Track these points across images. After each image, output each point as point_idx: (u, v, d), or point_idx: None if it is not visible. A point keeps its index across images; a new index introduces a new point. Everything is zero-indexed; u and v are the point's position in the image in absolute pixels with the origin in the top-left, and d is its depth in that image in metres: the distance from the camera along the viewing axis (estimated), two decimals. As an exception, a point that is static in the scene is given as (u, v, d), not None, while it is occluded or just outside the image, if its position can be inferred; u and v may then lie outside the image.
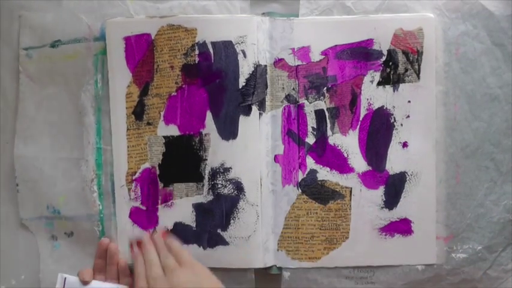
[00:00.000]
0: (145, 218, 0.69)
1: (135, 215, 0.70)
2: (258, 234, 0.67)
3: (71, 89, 0.70)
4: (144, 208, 0.69)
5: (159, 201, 0.69)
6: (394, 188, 0.67)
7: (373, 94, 0.67)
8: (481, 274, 0.67)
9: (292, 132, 0.68)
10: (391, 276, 0.68)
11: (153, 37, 0.67)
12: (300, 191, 0.68)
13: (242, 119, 0.67)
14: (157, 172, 0.69)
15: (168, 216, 0.69)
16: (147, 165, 0.69)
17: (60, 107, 0.70)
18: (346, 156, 0.68)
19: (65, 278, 0.65)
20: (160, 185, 0.69)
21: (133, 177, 0.69)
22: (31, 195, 0.71)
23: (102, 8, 0.69)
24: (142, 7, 0.68)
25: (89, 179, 0.70)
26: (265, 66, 0.67)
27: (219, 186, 0.68)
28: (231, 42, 0.66)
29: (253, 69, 0.67)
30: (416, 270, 0.68)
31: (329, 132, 0.68)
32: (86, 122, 0.70)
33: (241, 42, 0.66)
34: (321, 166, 0.68)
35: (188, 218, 0.69)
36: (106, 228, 0.70)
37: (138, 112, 0.69)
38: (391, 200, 0.68)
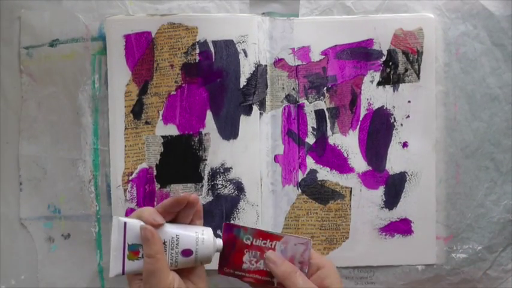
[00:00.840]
0: (140, 219, 0.69)
1: (130, 217, 0.69)
2: (258, 234, 0.67)
3: (69, 89, 0.69)
4: (139, 210, 0.69)
5: (155, 203, 0.68)
6: (394, 188, 0.67)
7: (373, 94, 0.67)
8: (481, 274, 0.68)
9: (292, 132, 0.68)
10: (391, 276, 0.68)
11: (153, 35, 0.67)
12: (300, 191, 0.68)
13: (243, 118, 0.66)
14: (154, 173, 0.68)
15: (165, 218, 0.68)
16: (144, 165, 0.68)
17: (59, 107, 0.70)
18: (346, 156, 0.68)
19: (125, 223, 0.52)
20: (157, 186, 0.68)
21: (130, 178, 0.69)
22: (33, 194, 0.71)
23: (100, 8, 0.68)
24: (141, 8, 0.68)
25: (87, 180, 0.69)
26: (266, 66, 0.67)
27: (219, 186, 0.67)
28: (232, 41, 0.66)
29: (254, 68, 0.66)
30: (416, 270, 0.68)
31: (329, 132, 0.68)
32: (83, 122, 0.69)
33: (243, 42, 0.66)
34: (321, 166, 0.68)
35: (185, 219, 0.68)
36: (103, 230, 0.69)
37: (136, 111, 0.68)
38: (391, 200, 0.68)
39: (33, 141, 0.70)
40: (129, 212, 0.68)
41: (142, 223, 0.52)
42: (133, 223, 0.52)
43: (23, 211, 0.71)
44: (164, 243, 0.52)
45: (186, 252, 0.52)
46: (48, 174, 0.70)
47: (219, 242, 0.54)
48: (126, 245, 0.52)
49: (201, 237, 0.53)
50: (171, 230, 0.52)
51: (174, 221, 0.54)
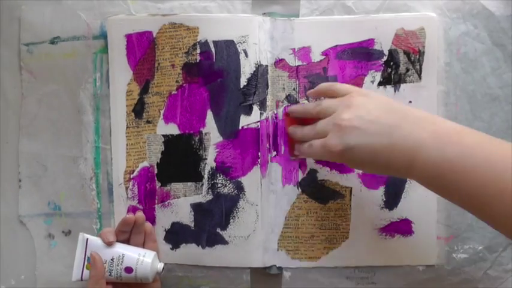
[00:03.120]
0: (142, 217, 0.69)
1: (132, 215, 0.69)
2: (257, 233, 0.67)
3: (70, 87, 0.70)
4: (141, 207, 0.69)
5: (156, 201, 0.69)
6: (394, 188, 0.67)
7: (374, 94, 0.67)
8: (481, 274, 0.67)
9: (293, 131, 0.68)
10: (392, 277, 0.68)
11: (154, 35, 0.67)
12: (300, 190, 0.68)
13: (243, 118, 0.67)
14: (156, 171, 0.69)
15: (166, 216, 0.69)
16: (145, 164, 0.69)
17: (59, 105, 0.70)
18: (346, 156, 0.68)
19: (87, 239, 0.64)
20: (158, 184, 0.69)
21: (131, 176, 0.69)
22: (33, 191, 0.71)
23: (102, 6, 0.69)
24: (143, 7, 0.68)
25: (88, 177, 0.70)
26: (266, 66, 0.67)
27: (219, 185, 0.67)
28: (233, 41, 0.66)
29: (254, 69, 0.66)
30: (417, 270, 0.67)
31: (329, 132, 0.68)
32: (85, 120, 0.70)
33: (243, 42, 0.66)
34: (321, 166, 0.68)
35: (186, 217, 0.68)
36: (104, 227, 0.70)
37: (138, 110, 0.68)
38: (392, 200, 0.67)
39: (33, 138, 0.71)
40: (131, 209, 0.69)
41: (100, 241, 0.63)
42: (94, 240, 0.64)
43: (22, 208, 0.71)
44: (112, 259, 0.62)
45: (128, 270, 0.62)
46: (48, 171, 0.71)
47: (160, 266, 0.64)
48: (86, 257, 0.63)
49: (142, 258, 0.63)
50: (120, 249, 0.63)
51: (129, 241, 0.65)
